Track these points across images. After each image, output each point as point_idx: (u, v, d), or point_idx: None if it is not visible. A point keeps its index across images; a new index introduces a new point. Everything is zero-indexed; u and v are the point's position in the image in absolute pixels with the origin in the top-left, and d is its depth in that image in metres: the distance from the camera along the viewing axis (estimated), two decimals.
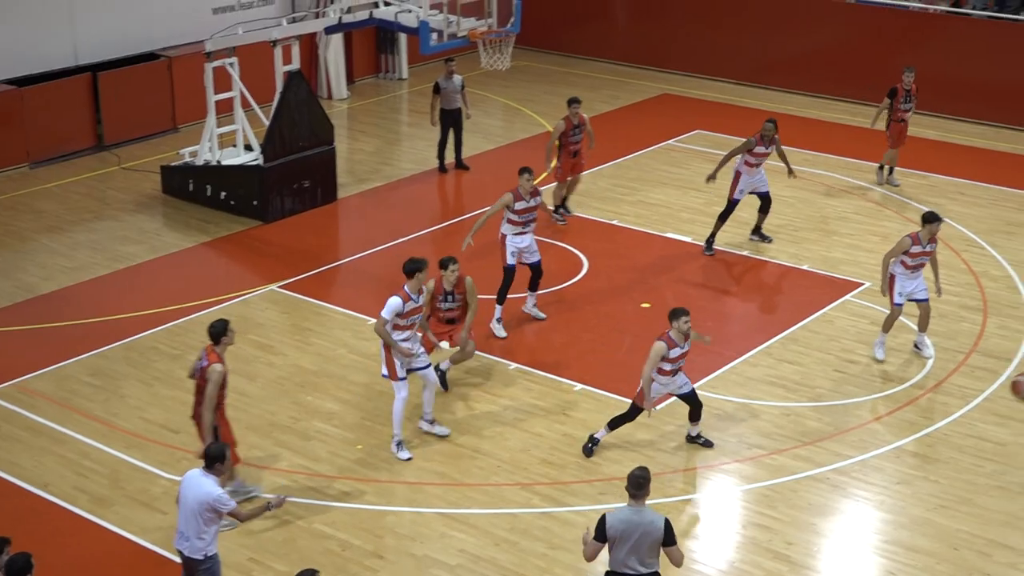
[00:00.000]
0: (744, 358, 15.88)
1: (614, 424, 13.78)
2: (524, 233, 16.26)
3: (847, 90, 26.74)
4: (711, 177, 18.92)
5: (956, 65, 25.53)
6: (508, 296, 16.45)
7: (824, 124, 25.41)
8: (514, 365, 15.67)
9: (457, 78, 22.02)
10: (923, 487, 13.30)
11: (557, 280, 17.92)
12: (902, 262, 15.51)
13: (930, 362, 15.72)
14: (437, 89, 22.08)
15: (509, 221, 16.23)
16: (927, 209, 17.22)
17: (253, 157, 20.65)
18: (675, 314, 13.37)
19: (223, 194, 20.41)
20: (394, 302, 13.25)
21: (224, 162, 20.85)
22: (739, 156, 18.72)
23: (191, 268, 18.60)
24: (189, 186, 20.83)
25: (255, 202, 20.11)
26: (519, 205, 16.12)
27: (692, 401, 13.83)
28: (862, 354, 15.97)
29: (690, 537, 12.56)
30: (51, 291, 17.73)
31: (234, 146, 21.40)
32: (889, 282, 15.62)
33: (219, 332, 12.23)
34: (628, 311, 17.10)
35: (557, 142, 19.48)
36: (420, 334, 13.82)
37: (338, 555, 12.17)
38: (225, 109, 21.06)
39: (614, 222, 20.01)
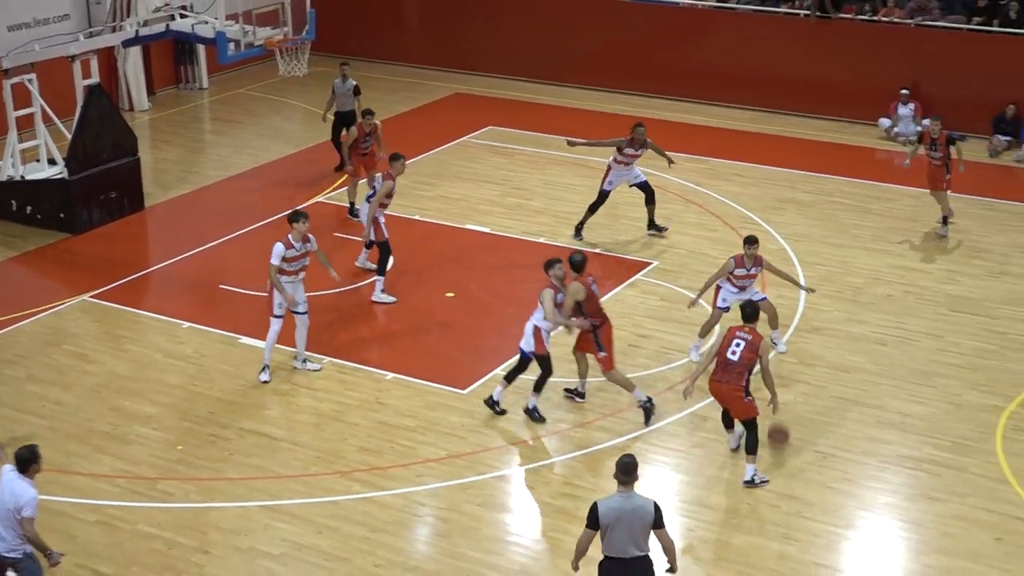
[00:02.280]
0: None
1: (511, 377, 14.20)
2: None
3: (633, 84, 27.25)
4: (572, 143, 19.38)
5: (723, 56, 26.27)
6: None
7: (611, 116, 25.83)
8: (327, 359, 15.53)
9: (351, 81, 21.67)
10: (716, 448, 13.65)
11: (362, 276, 17.82)
12: (730, 280, 15.30)
13: (717, 331, 16.13)
14: (333, 90, 21.79)
15: (382, 204, 16.93)
16: (706, 191, 17.65)
17: (57, 171, 19.99)
18: (549, 264, 14.03)
19: (29, 208, 19.71)
20: (278, 248, 14.52)
21: (28, 177, 20.12)
22: (610, 150, 18.95)
23: (0, 284, 17.92)
24: None
25: (62, 215, 19.48)
26: (393, 186, 16.91)
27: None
28: (653, 328, 16.31)
29: (505, 511, 12.65)
30: None
31: (37, 161, 20.64)
32: (714, 292, 15.40)
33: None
34: (434, 301, 17.12)
35: (348, 148, 19.51)
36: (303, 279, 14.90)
37: (164, 554, 11.89)
38: (27, 125, 20.31)
39: (416, 217, 20.01)
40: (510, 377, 14.26)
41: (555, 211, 20.26)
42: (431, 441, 13.75)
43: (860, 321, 16.63)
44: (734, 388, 12.92)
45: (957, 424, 14.16)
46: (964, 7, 25.32)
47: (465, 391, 14.79)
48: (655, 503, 9.91)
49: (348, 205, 19.98)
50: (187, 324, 16.33)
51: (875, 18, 25.23)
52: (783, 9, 26.19)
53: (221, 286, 17.53)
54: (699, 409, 14.35)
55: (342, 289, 17.18)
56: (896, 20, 24.93)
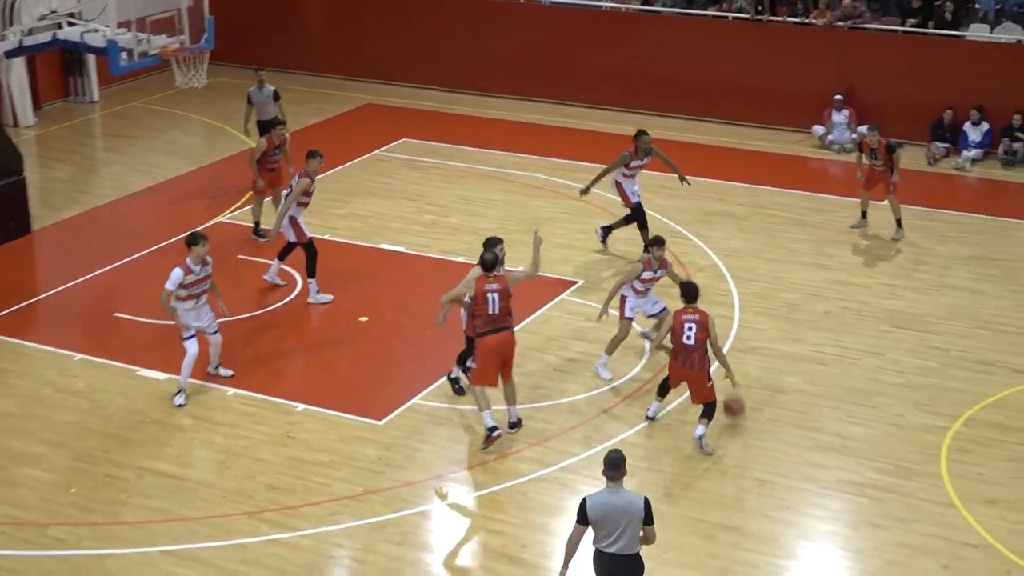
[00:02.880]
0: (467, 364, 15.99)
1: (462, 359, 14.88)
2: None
3: (548, 91, 27.39)
4: (585, 191, 19.25)
5: (649, 61, 26.50)
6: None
7: (531, 126, 25.94)
8: (232, 391, 15.37)
9: (268, 87, 21.44)
10: (648, 477, 13.69)
11: (271, 300, 17.70)
12: (633, 287, 15.62)
13: (647, 352, 16.22)
14: (249, 100, 21.55)
15: (299, 204, 17.24)
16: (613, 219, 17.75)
17: None
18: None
19: None
20: (175, 273, 14.57)
21: None
22: (616, 170, 18.87)
23: None
24: None
25: None
26: (313, 187, 17.29)
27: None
28: (580, 351, 16.35)
29: (426, 550, 12.59)
30: None
31: None
32: (620, 303, 15.69)
33: None
34: (347, 326, 17.03)
35: (256, 162, 19.32)
36: (207, 301, 15.02)
37: None
38: None
39: (326, 236, 19.88)
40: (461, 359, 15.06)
41: (474, 228, 20.25)
42: (346, 477, 13.65)
43: (797, 340, 16.80)
44: (697, 373, 14.00)
45: (899, 446, 14.34)
46: (898, 8, 25.77)
47: (381, 422, 14.71)
48: (645, 498, 10.20)
49: (252, 224, 19.83)
50: (79, 356, 16.08)
51: (806, 21, 25.57)
52: (711, 12, 26.46)
53: (116, 314, 17.29)
54: (629, 436, 14.39)
55: (235, 317, 17.05)
56: (828, 23, 25.28)
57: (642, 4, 27.32)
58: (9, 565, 12.22)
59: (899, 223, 20.11)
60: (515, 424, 14.54)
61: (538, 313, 17.43)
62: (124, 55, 19.63)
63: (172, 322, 15.04)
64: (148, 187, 22.40)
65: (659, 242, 15.59)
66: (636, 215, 19.16)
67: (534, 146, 24.43)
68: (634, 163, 18.97)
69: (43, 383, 15.61)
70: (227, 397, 15.25)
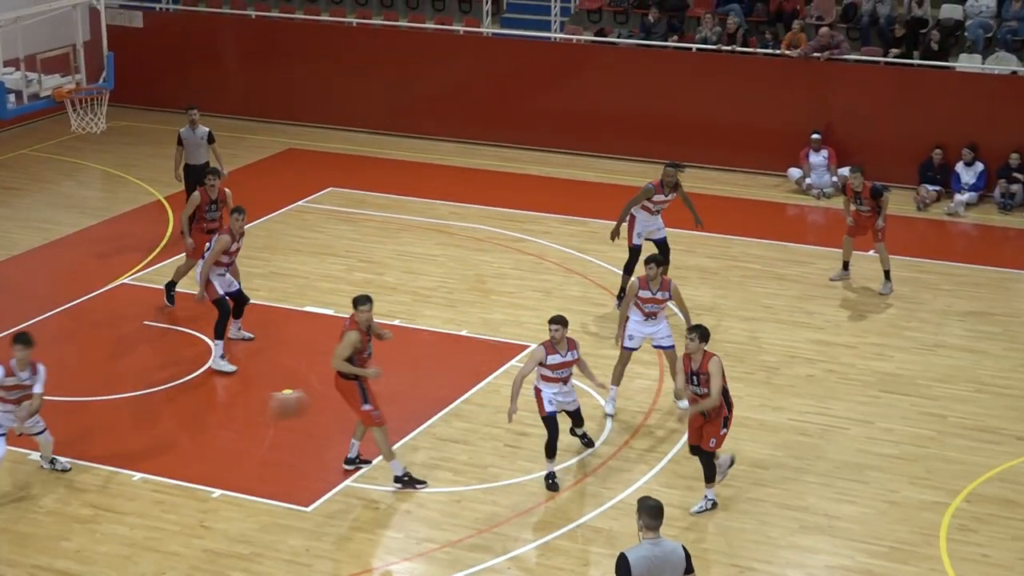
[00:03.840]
0: (405, 441, 15.95)
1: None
2: (225, 274, 17.80)
3: (491, 133, 27.53)
4: (615, 234, 19.36)
5: (604, 99, 26.69)
6: None
7: (473, 172, 26.04)
8: (139, 475, 15.21)
9: (202, 128, 21.48)
10: (610, 566, 13.61)
11: (181, 371, 17.58)
12: (636, 305, 16.29)
13: (609, 425, 16.22)
14: (180, 141, 21.54)
15: (217, 263, 17.55)
16: (589, 258, 17.81)
17: None
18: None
19: None
20: None
21: None
22: (638, 205, 19.11)
23: None
24: None
25: None
26: (234, 246, 17.61)
27: None
28: (532, 424, 16.30)
29: None
30: None
31: None
32: (621, 327, 16.44)
33: None
34: (266, 400, 16.86)
35: (189, 218, 19.12)
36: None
37: None
38: None
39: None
40: None
41: (413, 288, 20.25)
42: (269, 571, 13.52)
43: (776, 407, 16.87)
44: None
45: (895, 526, 14.39)
46: (880, 37, 26.16)
47: (309, 508, 14.60)
48: (683, 546, 10.20)
49: (165, 285, 19.55)
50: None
51: (780, 52, 25.85)
52: (672, 43, 26.73)
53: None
54: (589, 520, 14.36)
55: (140, 392, 16.97)
56: (803, 53, 25.58)
57: (595, 36, 27.58)
58: None
59: (887, 275, 20.32)
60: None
61: (486, 382, 17.41)
62: (12, 97, 19.57)
63: (75, 397, 14.92)
64: (40, 245, 22.25)
65: (653, 260, 16.18)
66: (631, 257, 19.31)
67: (477, 194, 24.52)
68: (657, 197, 19.13)
69: None
70: (133, 483, 15.09)
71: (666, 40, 26.84)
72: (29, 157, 26.84)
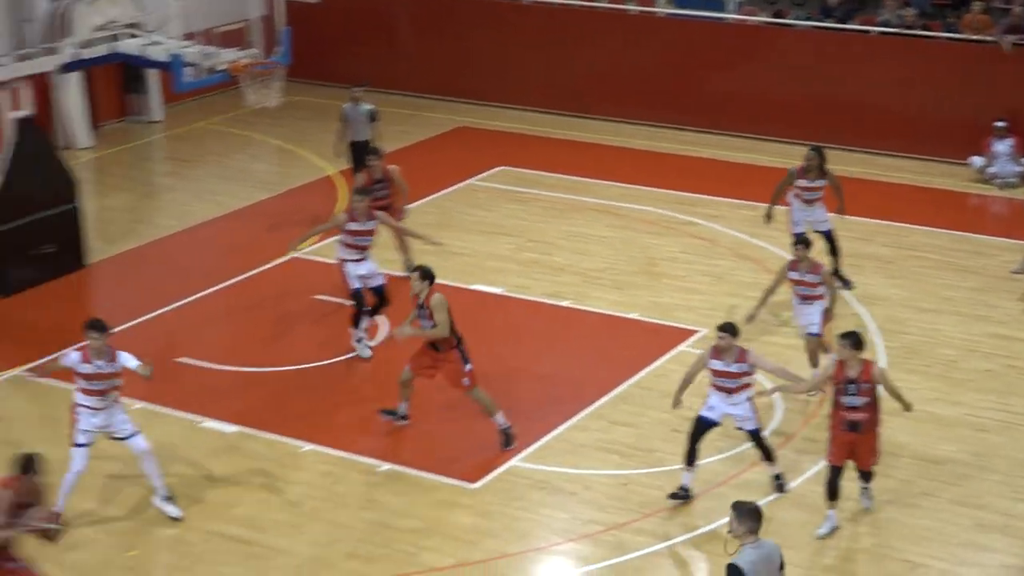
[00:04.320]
0: (571, 422, 16.09)
1: None
2: (362, 260, 17.45)
3: (663, 114, 27.47)
4: (767, 216, 19.54)
5: (779, 82, 26.43)
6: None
7: (645, 153, 26.02)
8: (307, 446, 15.57)
9: (364, 106, 21.79)
10: None
11: (346, 348, 17.88)
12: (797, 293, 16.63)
13: (778, 415, 16.17)
14: (343, 117, 21.91)
15: (346, 245, 17.30)
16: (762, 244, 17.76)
17: None
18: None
19: None
20: (72, 357, 14.00)
21: None
22: (788, 189, 19.21)
23: None
24: None
25: None
26: (353, 226, 17.15)
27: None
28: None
29: None
30: None
31: None
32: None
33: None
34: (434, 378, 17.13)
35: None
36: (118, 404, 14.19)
37: None
38: None
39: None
40: None
41: (581, 269, 20.35)
42: (435, 546, 13.76)
43: (954, 402, 16.65)
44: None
45: None
46: None
47: (475, 485, 14.81)
48: (776, 544, 10.53)
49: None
50: (138, 404, 16.32)
51: (961, 36, 25.36)
52: (853, 25, 26.42)
53: (178, 359, 17.60)
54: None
55: (311, 364, 17.32)
56: (988, 38, 25.08)
57: (772, 17, 27.35)
58: None
59: None
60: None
61: (655, 365, 17.45)
62: (189, 71, 20.05)
63: (244, 368, 15.26)
64: (214, 217, 22.80)
65: (802, 242, 16.44)
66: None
67: (648, 176, 24.50)
68: (800, 182, 19.10)
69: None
70: (301, 453, 15.45)
71: (845, 23, 26.52)
72: (203, 130, 27.48)
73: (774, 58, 26.63)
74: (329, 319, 18.70)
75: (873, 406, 13.65)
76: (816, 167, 19.05)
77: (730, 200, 23.16)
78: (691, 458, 14.40)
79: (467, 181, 24.35)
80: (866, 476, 14.16)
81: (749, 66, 26.81)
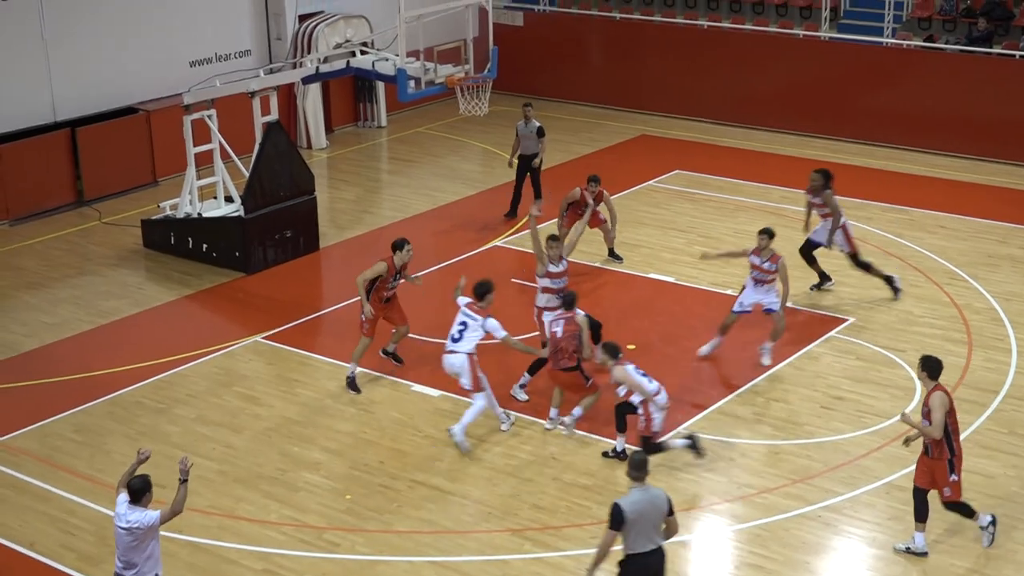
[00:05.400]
0: (731, 397, 15.87)
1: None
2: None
3: (823, 127, 26.93)
4: (807, 227, 19.09)
5: (932, 100, 25.73)
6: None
7: (804, 161, 25.49)
8: (513, 415, 15.49)
9: (534, 123, 21.79)
10: (910, 522, 13.22)
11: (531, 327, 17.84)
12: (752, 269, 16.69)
13: (917, 395, 15.71)
14: (517, 133, 22.04)
15: (544, 290, 16.22)
16: (908, 244, 17.29)
17: (234, 208, 20.65)
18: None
19: (205, 246, 20.38)
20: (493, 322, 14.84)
21: (205, 214, 20.84)
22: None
23: (174, 321, 18.55)
24: (171, 239, 20.80)
25: (237, 253, 20.08)
26: (551, 268, 16.22)
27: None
28: (848, 390, 15.97)
29: None
30: (33, 348, 17.63)
31: (215, 198, 21.39)
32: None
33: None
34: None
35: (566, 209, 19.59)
36: None
37: None
38: (205, 161, 21.07)
39: (596, 264, 20.03)
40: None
41: (745, 262, 19.98)
42: (607, 501, 13.63)
43: None
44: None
45: None
46: None
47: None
48: (663, 491, 10.97)
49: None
50: (359, 369, 16.57)
51: None
52: (996, 50, 25.53)
53: (392, 330, 17.75)
54: (895, 479, 13.96)
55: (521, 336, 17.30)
56: None
57: (924, 41, 26.57)
58: (289, 564, 12.71)
59: None
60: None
61: (807, 349, 17.11)
62: (412, 83, 20.15)
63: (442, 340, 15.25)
64: (428, 210, 22.99)
65: (765, 232, 16.52)
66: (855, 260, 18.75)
67: (807, 181, 23.93)
68: (809, 197, 18.77)
69: (325, 393, 16.19)
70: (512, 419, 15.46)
71: (991, 47, 25.64)
72: (423, 135, 27.73)
73: (925, 78, 25.88)
74: (523, 299, 18.71)
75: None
76: (816, 186, 18.50)
77: (879, 203, 22.59)
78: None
79: (647, 183, 24.14)
80: (951, 507, 12.68)
81: (902, 85, 26.10)
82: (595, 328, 15.96)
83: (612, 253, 20.17)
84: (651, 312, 18.40)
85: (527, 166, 21.86)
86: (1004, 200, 23.05)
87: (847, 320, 17.96)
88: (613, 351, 14.10)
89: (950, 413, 12.29)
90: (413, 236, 21.54)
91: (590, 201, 19.39)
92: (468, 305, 14.94)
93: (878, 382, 16.07)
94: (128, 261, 20.78)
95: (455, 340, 14.75)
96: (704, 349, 16.81)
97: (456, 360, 14.72)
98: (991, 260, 20.14)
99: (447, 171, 25.39)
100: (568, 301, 15.12)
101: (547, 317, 15.75)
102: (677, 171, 24.82)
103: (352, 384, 16.25)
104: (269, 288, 19.60)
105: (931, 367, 12.42)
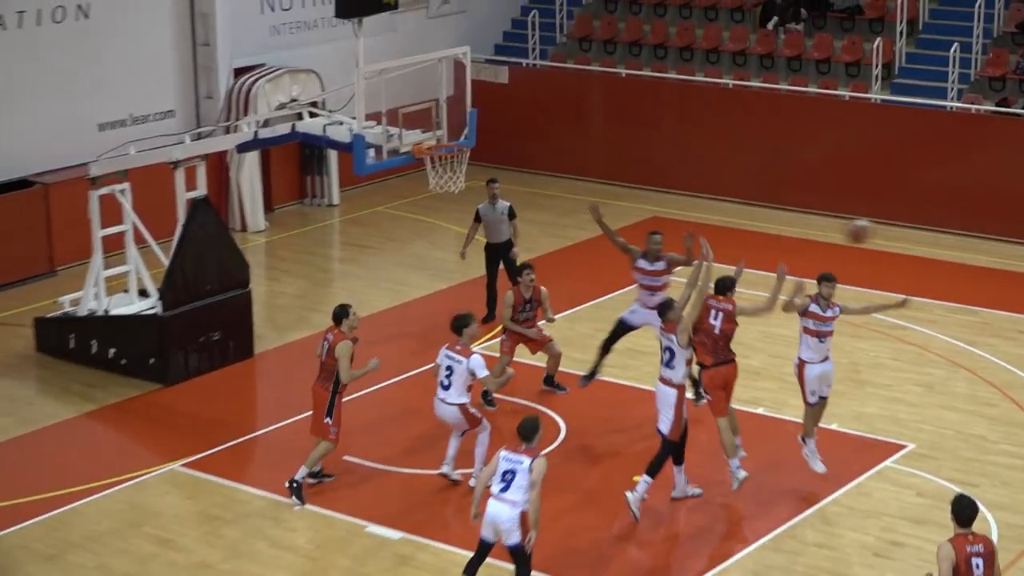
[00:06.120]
0: (763, 542, 15.74)
1: None
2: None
3: (878, 208, 26.99)
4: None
5: (1006, 176, 25.91)
6: None
7: (850, 250, 25.52)
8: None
9: (503, 203, 21.99)
10: None
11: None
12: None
13: (993, 537, 15.57)
14: (478, 217, 22.12)
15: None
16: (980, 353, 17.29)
17: (150, 305, 20.57)
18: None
19: (112, 351, 20.30)
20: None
21: (113, 312, 20.75)
22: None
23: (72, 445, 18.39)
24: (70, 342, 20.71)
25: (152, 360, 20.01)
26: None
27: None
28: (909, 533, 15.85)
29: None
30: None
31: (126, 292, 21.31)
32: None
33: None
34: (615, 484, 16.86)
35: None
36: None
37: None
38: (115, 246, 21.03)
39: (599, 377, 19.90)
40: None
41: (780, 374, 19.95)
42: None
43: None
44: None
45: None
46: None
47: None
48: None
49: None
50: (300, 506, 16.39)
51: None
52: None
53: (345, 457, 17.63)
54: None
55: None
56: None
57: (997, 105, 26.80)
58: None
59: None
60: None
61: (856, 482, 17.00)
62: (371, 152, 20.17)
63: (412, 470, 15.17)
64: (390, 308, 22.95)
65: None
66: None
67: (854, 275, 23.98)
68: (640, 262, 19.37)
69: (258, 535, 15.99)
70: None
71: None
72: (383, 215, 27.80)
73: (999, 149, 26.08)
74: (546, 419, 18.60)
75: None
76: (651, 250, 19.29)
77: (944, 303, 22.60)
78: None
79: None
80: None
81: (971, 157, 26.29)
82: None
83: (551, 381, 19.82)
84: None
85: (497, 257, 21.79)
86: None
87: (907, 447, 17.88)
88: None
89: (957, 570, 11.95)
90: (371, 339, 21.53)
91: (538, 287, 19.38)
92: (449, 346, 16.58)
93: (944, 524, 15.88)
94: (16, 369, 20.67)
95: (444, 388, 16.54)
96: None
97: (448, 412, 16.56)
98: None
99: (413, 260, 25.40)
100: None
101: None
102: (695, 261, 24.78)
103: (297, 491, 16.39)
104: (191, 403, 19.48)
105: (957, 510, 12.26)
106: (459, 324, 16.65)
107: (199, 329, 20.27)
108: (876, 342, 21.35)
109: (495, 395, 18.80)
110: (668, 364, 16.39)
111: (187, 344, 20.14)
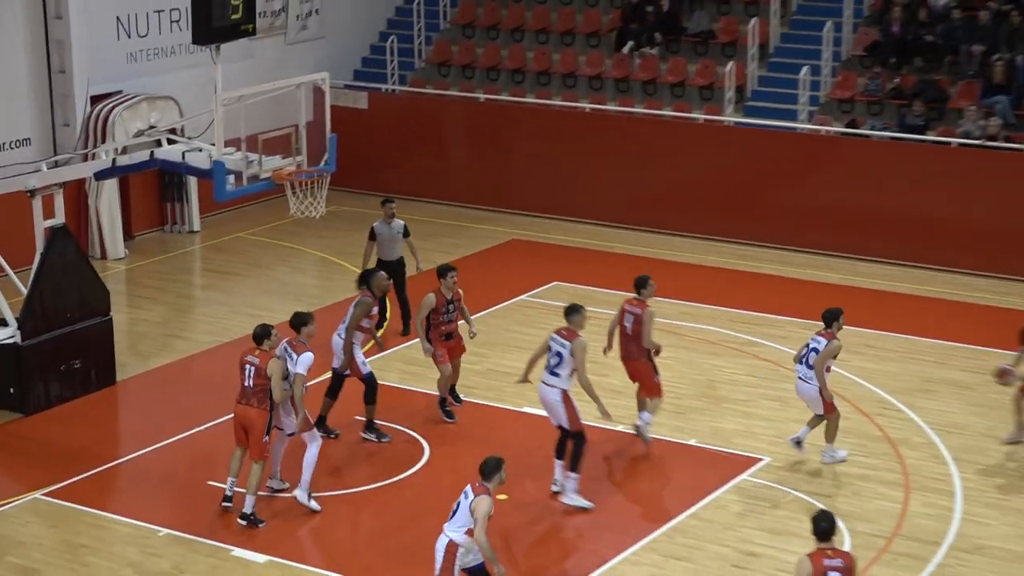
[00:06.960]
0: (623, 556, 15.95)
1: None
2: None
3: (731, 228, 27.54)
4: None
5: (855, 196, 26.49)
6: None
7: (706, 269, 26.04)
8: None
9: (398, 222, 22.18)
10: None
11: (391, 472, 17.87)
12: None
13: (846, 547, 15.97)
14: (373, 235, 22.25)
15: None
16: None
17: (8, 334, 20.37)
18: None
19: None
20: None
21: None
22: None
23: None
24: None
25: (12, 389, 19.83)
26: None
27: None
28: (764, 544, 16.18)
29: None
30: None
31: None
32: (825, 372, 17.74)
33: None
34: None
35: (423, 324, 19.43)
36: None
37: None
38: None
39: (462, 398, 20.09)
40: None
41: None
42: None
43: None
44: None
45: None
46: None
47: None
48: None
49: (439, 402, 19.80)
50: (164, 531, 16.39)
51: None
52: (931, 136, 26.41)
53: (209, 483, 17.63)
54: None
55: (364, 488, 17.19)
56: None
57: (846, 127, 27.43)
58: None
59: None
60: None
61: (713, 496, 17.32)
62: (231, 179, 20.17)
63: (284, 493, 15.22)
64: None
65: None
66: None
67: (709, 294, 24.51)
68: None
69: (123, 562, 15.92)
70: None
71: (924, 133, 26.51)
72: (245, 241, 27.76)
73: (848, 170, 26.68)
74: (370, 448, 18.72)
75: None
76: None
77: (796, 319, 23.08)
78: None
79: (519, 297, 24.41)
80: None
81: (821, 178, 26.88)
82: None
83: (452, 392, 20.02)
84: (528, 454, 18.36)
85: (392, 273, 21.73)
86: (942, 314, 23.74)
87: (762, 460, 18.24)
88: None
89: None
90: (233, 366, 21.49)
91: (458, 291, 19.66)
92: (289, 340, 16.84)
93: (800, 535, 16.28)
94: None
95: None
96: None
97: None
98: (928, 385, 20.70)
99: (276, 285, 25.40)
100: None
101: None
102: (555, 283, 25.14)
103: (252, 520, 16.51)
104: (52, 432, 19.34)
105: (814, 525, 12.48)
106: (297, 321, 16.94)
107: (59, 358, 20.13)
108: (731, 359, 21.75)
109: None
110: (553, 371, 17.00)
111: (47, 373, 20.00)
